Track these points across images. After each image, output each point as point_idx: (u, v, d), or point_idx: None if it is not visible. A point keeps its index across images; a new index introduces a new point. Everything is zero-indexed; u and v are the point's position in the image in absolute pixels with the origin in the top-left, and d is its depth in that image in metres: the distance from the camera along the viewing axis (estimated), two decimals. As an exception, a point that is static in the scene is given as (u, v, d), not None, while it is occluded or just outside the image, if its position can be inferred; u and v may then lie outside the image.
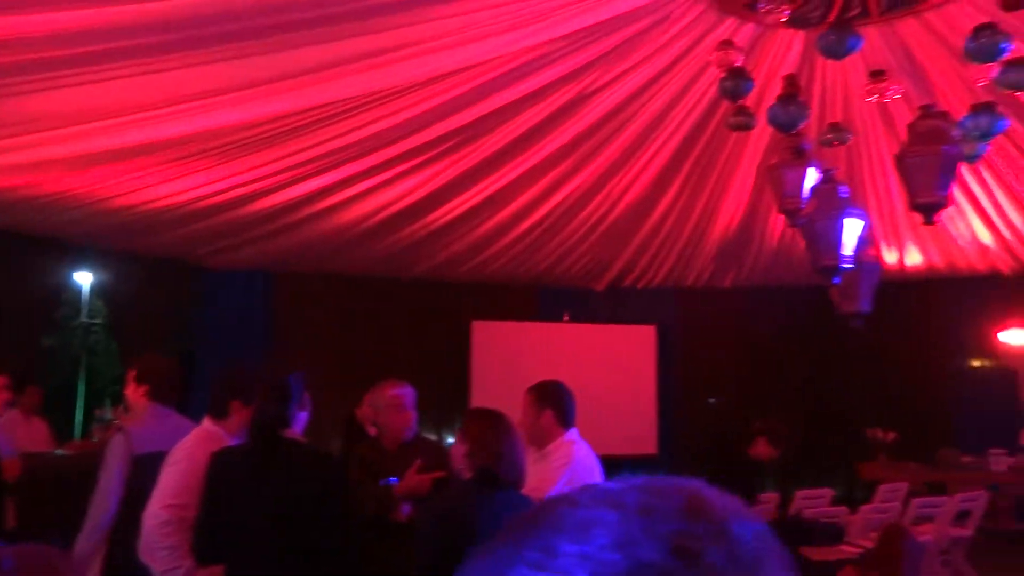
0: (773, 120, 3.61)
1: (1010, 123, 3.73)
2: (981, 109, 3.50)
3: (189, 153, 5.35)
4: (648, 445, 10.30)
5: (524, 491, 2.72)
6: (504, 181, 6.33)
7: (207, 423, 3.02)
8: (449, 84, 4.82)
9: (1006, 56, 3.44)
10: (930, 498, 6.53)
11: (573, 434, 3.16)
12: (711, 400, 10.57)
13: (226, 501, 2.66)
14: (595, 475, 3.14)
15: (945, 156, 3.48)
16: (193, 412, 3.41)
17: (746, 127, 4.37)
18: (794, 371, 10.39)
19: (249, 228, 7.32)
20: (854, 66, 5.01)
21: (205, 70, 4.10)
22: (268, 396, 2.73)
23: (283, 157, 5.62)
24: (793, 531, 5.02)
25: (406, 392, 3.48)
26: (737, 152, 6.46)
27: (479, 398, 8.81)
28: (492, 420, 2.64)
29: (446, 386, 9.39)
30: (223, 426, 2.99)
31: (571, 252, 8.55)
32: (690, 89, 5.30)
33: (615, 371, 10.23)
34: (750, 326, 10.38)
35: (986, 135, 3.52)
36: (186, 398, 4.17)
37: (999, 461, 8.36)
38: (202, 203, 6.47)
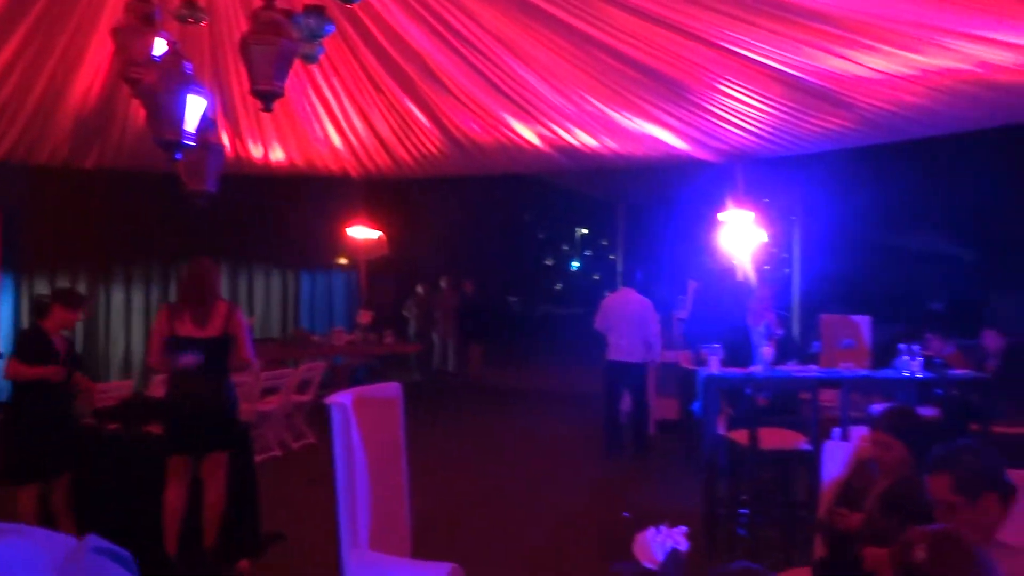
0: (111, -25, 3.37)
1: (334, 28, 4.22)
2: (311, 10, 3.87)
3: None
4: None
5: None
6: None
7: None
8: None
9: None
10: (275, 371, 7.26)
11: None
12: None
13: None
14: None
15: (283, 48, 3.74)
16: None
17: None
18: (159, 256, 10.25)
19: None
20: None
21: None
22: None
23: None
24: (141, 408, 5.05)
25: None
26: (94, 14, 5.86)
27: None
28: None
29: None
30: None
31: None
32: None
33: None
34: (115, 210, 9.77)
35: (316, 35, 3.92)
36: None
37: (339, 337, 9.74)
38: None
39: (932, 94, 6.06)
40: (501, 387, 11.60)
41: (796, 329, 9.67)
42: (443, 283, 12.41)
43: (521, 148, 8.80)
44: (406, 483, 3.36)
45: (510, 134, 8.41)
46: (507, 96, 7.40)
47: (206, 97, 3.71)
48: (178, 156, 3.77)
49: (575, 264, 25.80)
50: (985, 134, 7.58)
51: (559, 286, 22.21)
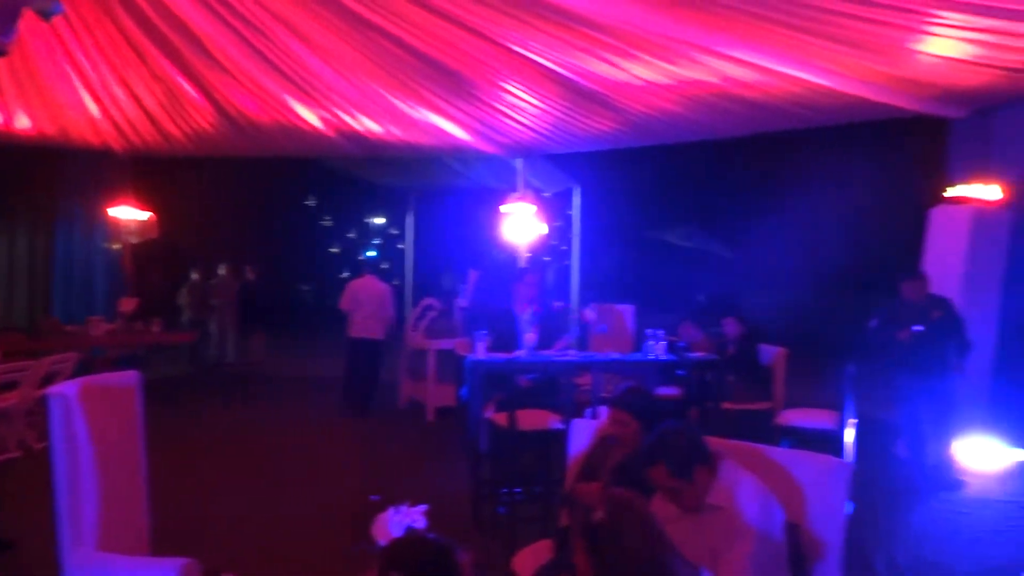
0: None
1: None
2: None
3: None
4: None
5: None
6: None
7: None
8: None
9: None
10: (14, 363, 6.51)
11: None
12: None
13: None
14: None
15: (8, 2, 3.38)
16: None
17: None
18: None
19: None
20: None
21: None
22: None
23: None
24: None
25: None
26: None
27: None
28: None
29: None
30: None
31: None
32: None
33: None
34: None
35: (51, -11, 3.54)
36: None
37: (98, 327, 8.91)
38: None
39: (686, 102, 6.64)
40: (281, 377, 11.19)
41: (575, 316, 10.22)
42: (222, 269, 11.73)
43: (303, 131, 8.53)
44: (144, 478, 3.14)
45: (290, 116, 8.13)
46: (286, 76, 7.14)
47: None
48: None
49: (371, 253, 25.50)
50: (740, 143, 8.41)
51: (346, 274, 21.84)
